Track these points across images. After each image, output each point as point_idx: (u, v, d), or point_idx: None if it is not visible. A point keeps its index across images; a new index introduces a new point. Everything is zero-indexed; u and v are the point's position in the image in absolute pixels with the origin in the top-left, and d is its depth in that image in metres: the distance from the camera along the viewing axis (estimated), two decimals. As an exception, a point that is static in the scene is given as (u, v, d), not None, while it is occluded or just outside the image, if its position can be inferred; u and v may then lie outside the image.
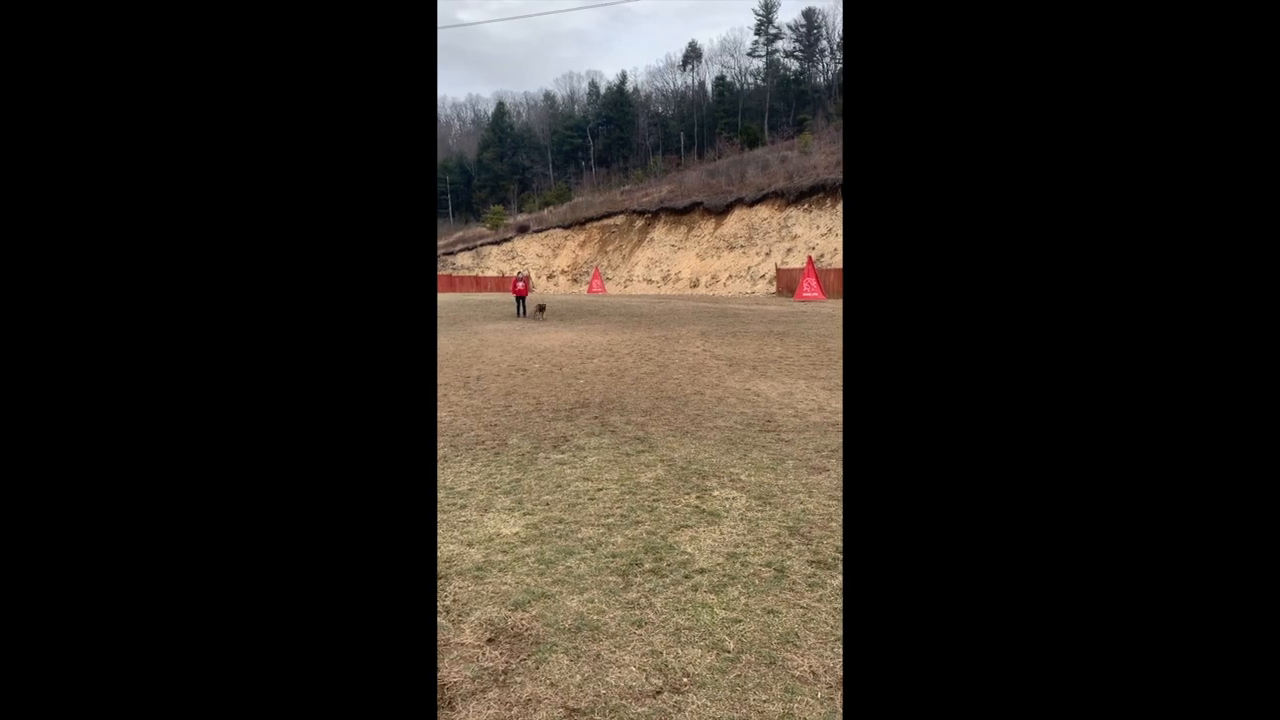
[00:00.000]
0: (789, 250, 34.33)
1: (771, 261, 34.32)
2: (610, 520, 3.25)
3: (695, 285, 36.86)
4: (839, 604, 2.41)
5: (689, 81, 72.12)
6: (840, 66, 63.61)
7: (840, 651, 2.11)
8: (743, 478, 3.89)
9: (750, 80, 67.54)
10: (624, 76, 72.64)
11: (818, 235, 33.65)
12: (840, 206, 33.36)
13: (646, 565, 2.75)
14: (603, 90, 74.80)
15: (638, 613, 2.37)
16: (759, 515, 3.29)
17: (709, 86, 68.87)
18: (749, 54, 67.69)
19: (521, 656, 2.11)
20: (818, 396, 6.26)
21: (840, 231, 32.48)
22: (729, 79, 66.88)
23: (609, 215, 45.91)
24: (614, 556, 2.84)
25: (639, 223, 43.71)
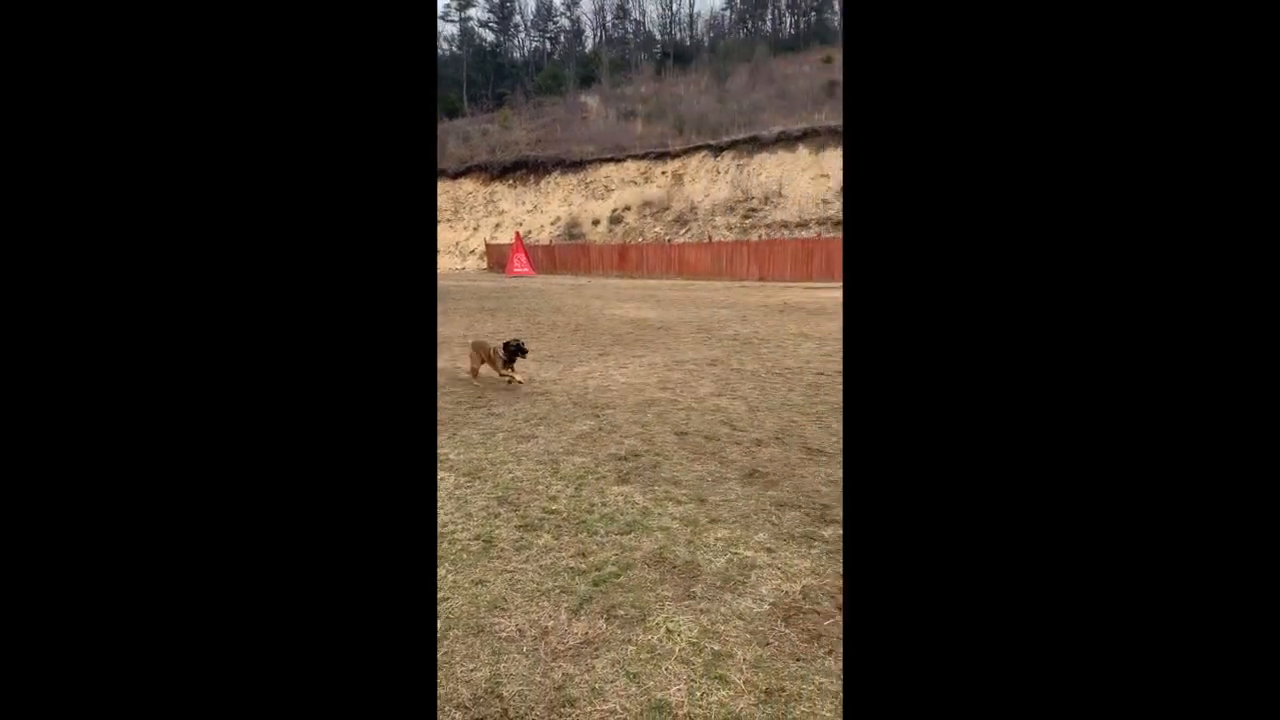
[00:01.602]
0: (497, 225, 34.23)
1: (480, 236, 33.85)
2: (300, 523, 2.92)
3: (400, 262, 34.51)
4: (545, 561, 2.54)
5: (377, 39, 66.06)
6: (535, 45, 64.62)
7: (542, 608, 2.24)
8: (452, 457, 3.82)
9: (446, 46, 64.69)
10: (296, 23, 63.34)
11: (524, 211, 34.13)
12: (543, 183, 34.27)
13: (345, 564, 2.55)
14: (269, 35, 64.26)
15: (335, 616, 2.19)
16: (468, 491, 3.28)
17: (400, 47, 64.01)
18: (442, 18, 64.67)
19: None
20: (527, 368, 6.43)
21: (545, 209, 33.44)
22: (422, 42, 63.04)
23: (290, 182, 40.05)
24: (305, 562, 2.56)
25: (328, 192, 39.06)
